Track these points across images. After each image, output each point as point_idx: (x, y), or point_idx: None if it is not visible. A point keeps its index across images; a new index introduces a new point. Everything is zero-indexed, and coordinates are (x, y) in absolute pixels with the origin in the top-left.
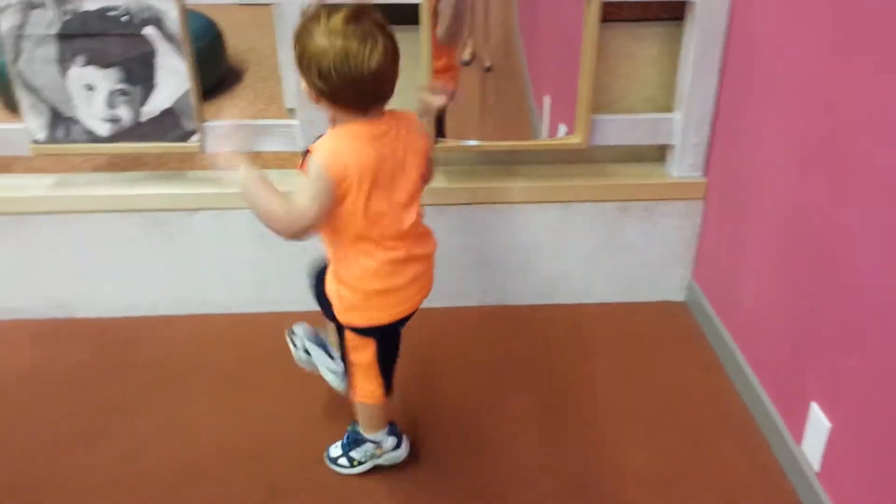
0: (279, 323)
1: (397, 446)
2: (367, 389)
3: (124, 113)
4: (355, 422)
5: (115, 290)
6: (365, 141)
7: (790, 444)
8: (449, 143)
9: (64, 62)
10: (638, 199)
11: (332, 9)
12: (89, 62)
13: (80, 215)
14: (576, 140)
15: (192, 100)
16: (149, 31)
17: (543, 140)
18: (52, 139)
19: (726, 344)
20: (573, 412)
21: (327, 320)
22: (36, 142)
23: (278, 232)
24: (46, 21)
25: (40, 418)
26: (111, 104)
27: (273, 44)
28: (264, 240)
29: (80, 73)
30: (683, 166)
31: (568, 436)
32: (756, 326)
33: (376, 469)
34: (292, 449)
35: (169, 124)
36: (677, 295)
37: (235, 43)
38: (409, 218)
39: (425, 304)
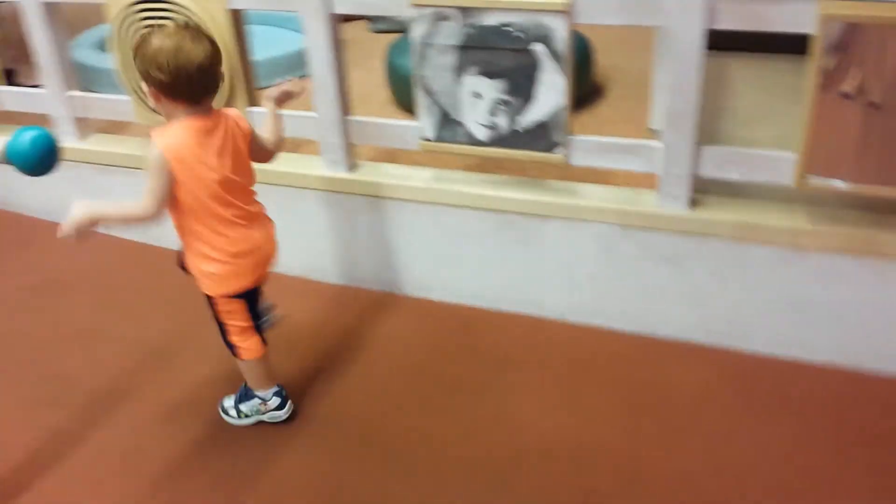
0: (615, 339)
1: (280, 406)
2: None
3: (502, 121)
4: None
5: (463, 278)
6: (194, 134)
7: None
8: (815, 181)
9: (460, 70)
10: None
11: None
12: (481, 72)
13: (446, 208)
14: None
15: (565, 114)
16: (537, 47)
17: None
18: (438, 138)
19: None
20: None
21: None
22: (425, 139)
23: (144, 224)
24: (451, 33)
25: (395, 382)
26: (493, 112)
27: (644, 63)
28: (610, 255)
29: (472, 82)
30: None
31: None
32: None
33: None
34: (614, 458)
35: (539, 135)
36: None
37: (601, 59)
38: (244, 180)
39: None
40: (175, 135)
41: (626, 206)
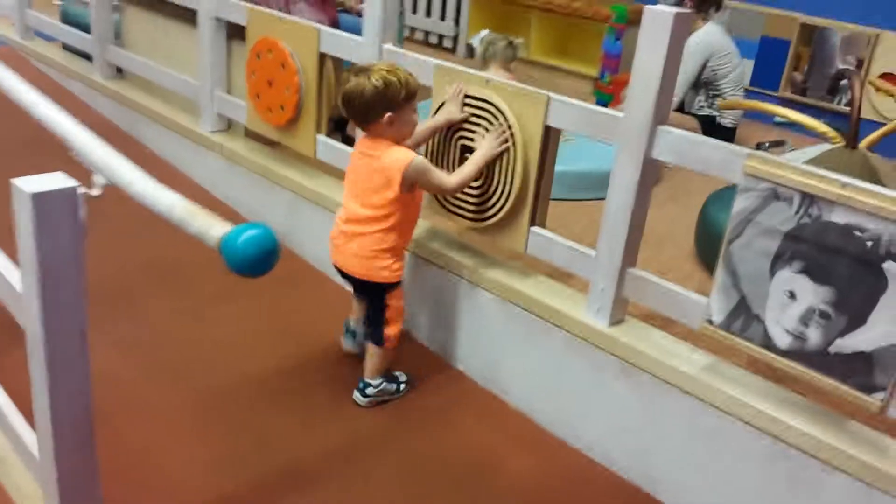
0: None
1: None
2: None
3: (814, 335)
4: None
5: (710, 495)
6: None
7: None
8: None
9: (778, 261)
10: None
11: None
12: (804, 271)
13: (709, 408)
14: None
15: None
16: (890, 266)
17: None
18: (726, 327)
19: None
20: None
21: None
22: (709, 322)
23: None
24: (782, 217)
25: None
26: (805, 321)
27: None
28: None
29: (789, 279)
30: None
31: None
32: None
33: None
34: None
35: (857, 368)
36: None
37: None
38: (354, 207)
39: None
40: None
41: None
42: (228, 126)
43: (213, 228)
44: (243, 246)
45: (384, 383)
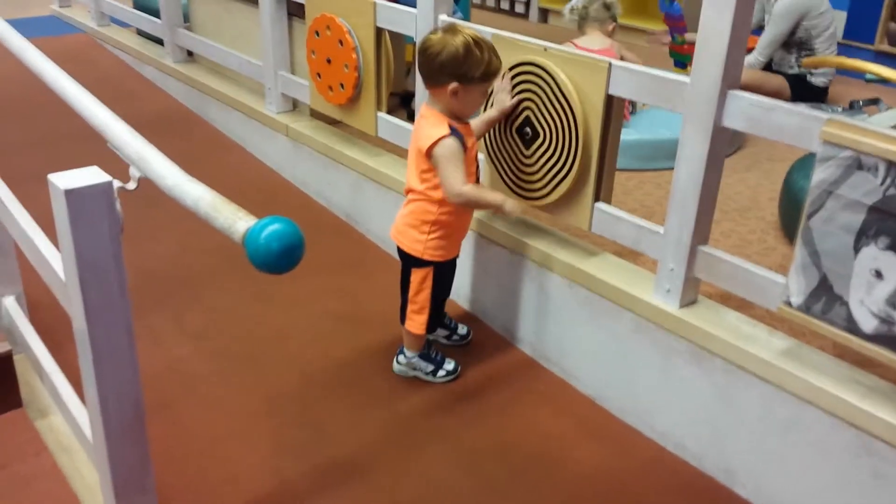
0: None
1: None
2: None
3: None
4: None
5: (791, 492)
6: None
7: None
8: None
9: (863, 237)
10: None
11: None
12: (891, 248)
13: (788, 396)
14: None
15: None
16: None
17: None
18: (806, 308)
19: None
20: None
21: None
22: (787, 303)
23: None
24: (867, 188)
25: None
26: (893, 302)
27: None
28: None
29: (875, 256)
30: None
31: None
32: None
33: None
34: None
35: None
36: None
37: None
38: (407, 176)
39: None
40: None
41: None
42: (294, 106)
43: (238, 223)
44: (266, 241)
45: (417, 359)
